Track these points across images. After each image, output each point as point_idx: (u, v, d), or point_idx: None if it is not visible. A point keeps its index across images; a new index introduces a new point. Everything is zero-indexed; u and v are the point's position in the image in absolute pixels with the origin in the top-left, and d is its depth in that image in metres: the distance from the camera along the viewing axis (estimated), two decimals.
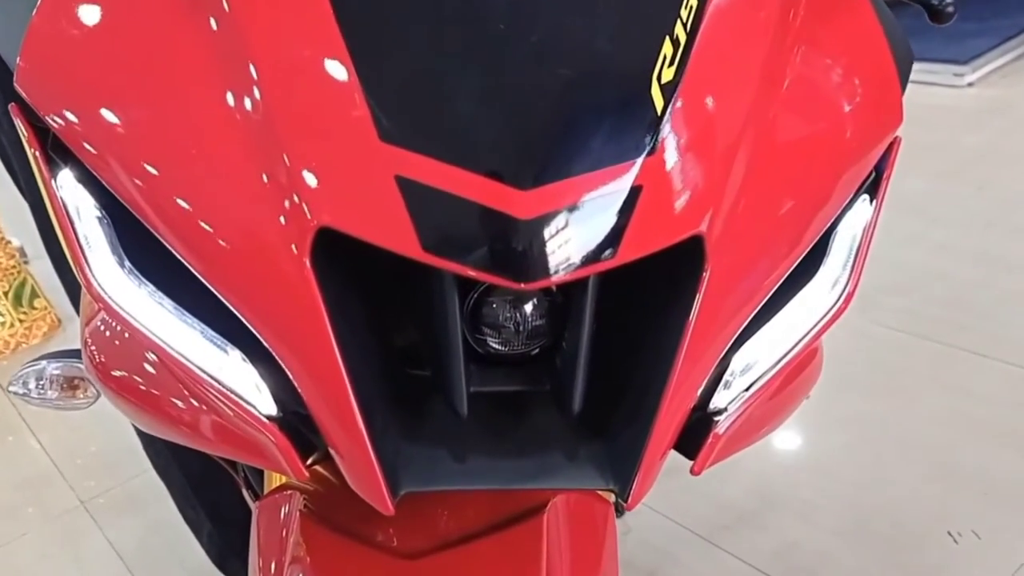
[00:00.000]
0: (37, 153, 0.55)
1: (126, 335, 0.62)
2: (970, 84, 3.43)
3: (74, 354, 0.92)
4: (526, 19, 0.49)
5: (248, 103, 0.50)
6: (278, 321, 0.50)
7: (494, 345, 0.55)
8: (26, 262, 2.77)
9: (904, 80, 0.63)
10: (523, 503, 0.64)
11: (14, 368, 0.94)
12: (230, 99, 0.50)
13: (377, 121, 0.47)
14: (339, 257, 0.49)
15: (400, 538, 0.64)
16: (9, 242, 2.60)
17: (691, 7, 0.52)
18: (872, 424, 1.88)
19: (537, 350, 0.56)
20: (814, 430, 1.89)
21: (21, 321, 2.64)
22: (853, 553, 1.60)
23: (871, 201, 0.61)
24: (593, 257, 0.47)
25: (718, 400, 0.56)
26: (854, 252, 0.59)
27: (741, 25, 0.54)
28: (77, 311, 1.07)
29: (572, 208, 0.47)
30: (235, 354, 0.53)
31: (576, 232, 0.47)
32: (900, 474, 1.75)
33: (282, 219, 0.48)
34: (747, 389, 0.56)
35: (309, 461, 0.55)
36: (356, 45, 0.49)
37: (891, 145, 0.62)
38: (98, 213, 0.54)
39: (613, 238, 0.47)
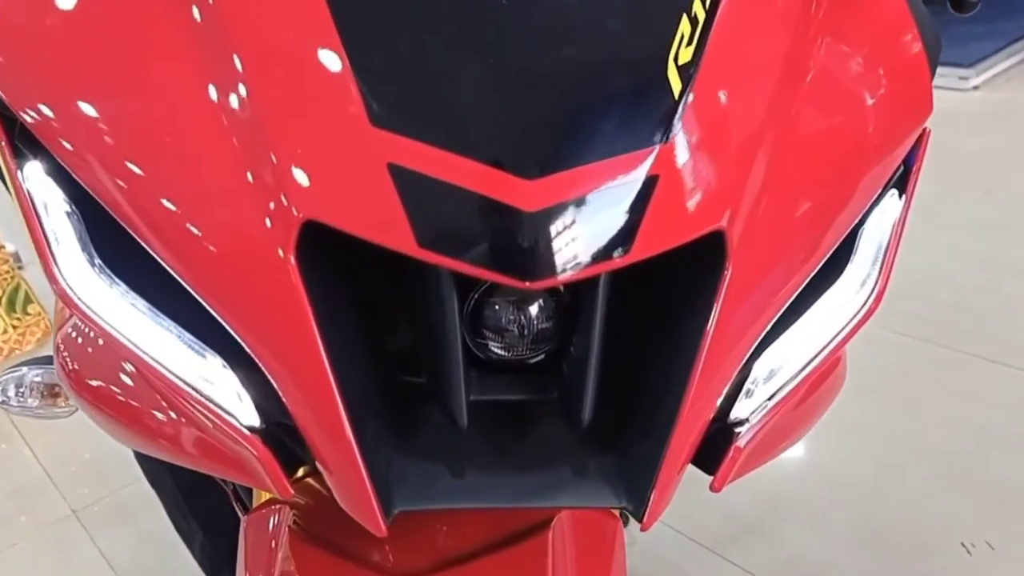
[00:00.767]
0: (3, 144, 0.51)
1: (100, 341, 0.58)
2: (975, 87, 3.40)
3: (51, 361, 0.88)
4: None
5: (230, 89, 0.46)
6: (260, 323, 0.46)
7: (496, 350, 0.51)
8: (20, 267, 2.73)
9: (933, 67, 0.59)
10: (527, 519, 0.60)
11: None
12: (211, 87, 0.46)
13: (368, 105, 0.43)
14: (327, 254, 0.45)
15: (395, 556, 0.60)
16: (2, 247, 2.56)
17: None
18: (881, 431, 1.84)
19: (543, 356, 0.52)
20: (821, 437, 1.85)
21: (15, 327, 2.59)
22: (863, 564, 1.55)
23: (900, 195, 0.57)
24: (605, 254, 0.43)
25: (739, 410, 0.52)
26: (883, 250, 0.55)
27: (763, 2, 0.50)
28: None
29: (582, 200, 0.42)
30: (214, 360, 0.49)
31: (586, 226, 0.42)
32: (910, 482, 1.71)
33: (265, 212, 0.44)
34: (770, 398, 0.52)
35: (296, 476, 0.51)
36: (346, 25, 0.45)
37: (920, 136, 0.58)
38: (67, 208, 0.49)
39: (627, 233, 0.43)
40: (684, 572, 1.60)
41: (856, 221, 0.54)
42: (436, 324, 0.47)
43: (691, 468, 0.53)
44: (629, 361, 0.50)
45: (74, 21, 0.50)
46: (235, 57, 0.46)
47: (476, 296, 0.49)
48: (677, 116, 0.44)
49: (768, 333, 0.51)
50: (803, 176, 0.49)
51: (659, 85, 0.45)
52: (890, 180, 0.56)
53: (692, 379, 0.47)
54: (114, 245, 0.49)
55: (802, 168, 0.49)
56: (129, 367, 0.55)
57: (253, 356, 0.47)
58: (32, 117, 0.49)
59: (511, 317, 0.50)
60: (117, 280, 0.49)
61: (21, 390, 0.86)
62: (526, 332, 0.50)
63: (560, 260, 0.42)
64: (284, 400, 0.48)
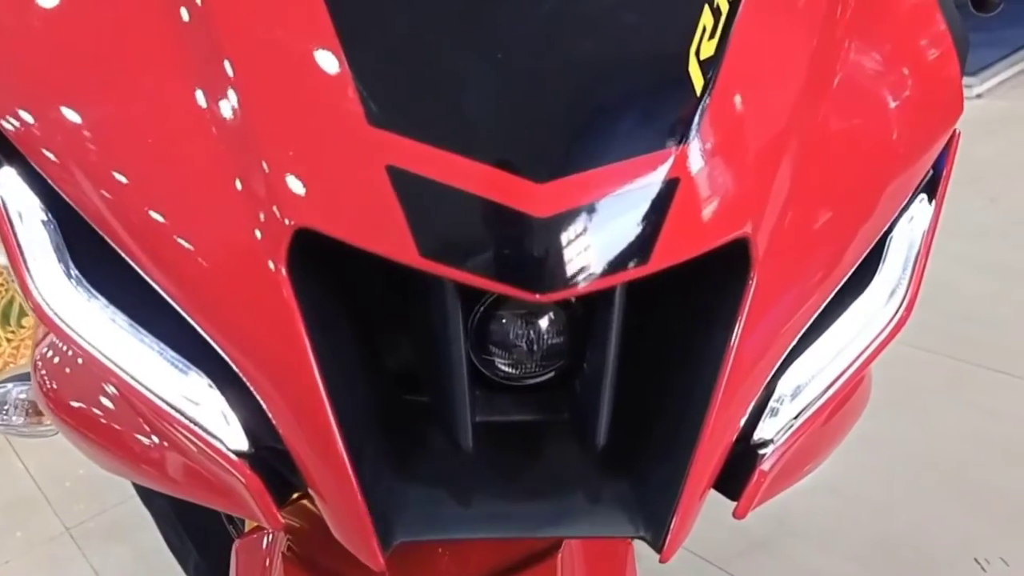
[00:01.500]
0: None
1: (79, 360, 0.54)
2: (979, 96, 3.38)
3: None
4: None
5: (219, 91, 0.42)
6: (249, 339, 0.43)
7: (503, 367, 0.47)
8: (14, 280, 2.70)
9: (963, 66, 0.56)
10: (534, 545, 0.57)
11: None
12: (199, 89, 0.43)
13: (366, 104, 0.40)
14: (321, 265, 0.42)
15: None
16: None
17: None
18: (892, 444, 1.80)
19: (553, 373, 0.48)
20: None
21: (9, 340, 2.56)
22: None
23: (929, 201, 0.53)
24: (621, 263, 0.39)
25: (764, 430, 0.48)
26: (912, 258, 0.52)
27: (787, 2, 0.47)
28: None
29: (596, 205, 0.39)
30: (200, 379, 0.45)
31: (601, 234, 0.39)
32: (922, 496, 1.67)
33: (255, 221, 0.41)
34: (797, 416, 0.49)
35: (288, 502, 0.48)
36: (343, 21, 0.42)
37: (950, 140, 0.55)
38: (43, 217, 0.46)
39: (645, 241, 0.40)
40: None
41: (885, 228, 0.51)
42: (439, 339, 0.43)
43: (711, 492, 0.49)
44: (646, 379, 0.47)
45: (56, 24, 0.47)
46: (224, 58, 0.42)
47: (482, 309, 0.46)
48: (699, 115, 0.41)
49: (794, 347, 0.48)
50: (831, 181, 0.46)
51: (680, 81, 0.41)
52: (919, 185, 0.53)
53: (714, 398, 0.44)
54: (94, 258, 0.46)
55: (829, 173, 0.46)
56: (110, 388, 0.52)
57: (241, 375, 0.44)
58: (9, 122, 0.45)
59: (519, 332, 0.46)
60: (95, 294, 0.46)
61: (5, 407, 0.83)
62: (535, 348, 0.47)
63: (572, 270, 0.39)
64: (274, 422, 0.44)
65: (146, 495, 1.45)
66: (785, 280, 0.45)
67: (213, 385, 0.45)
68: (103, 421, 0.53)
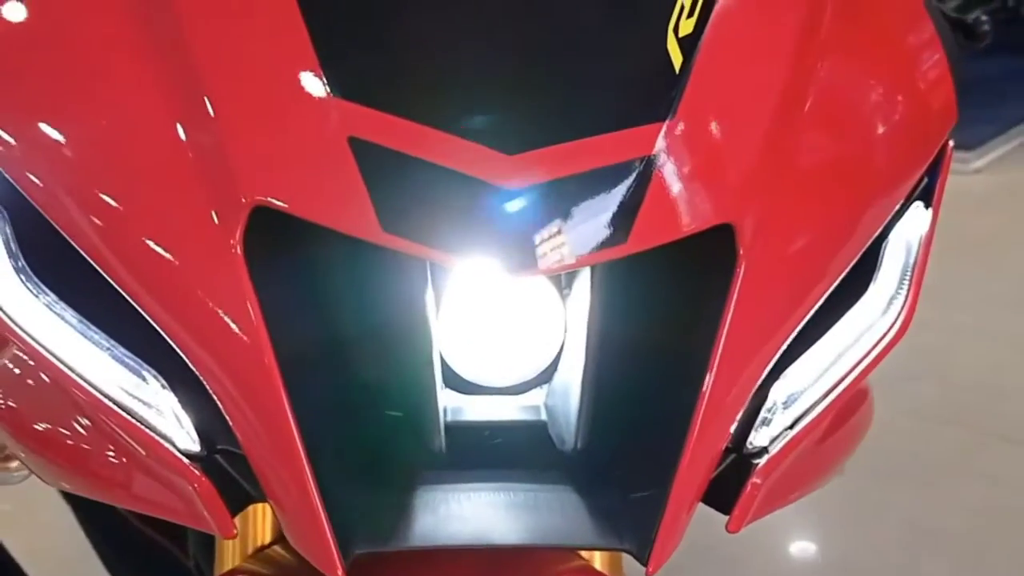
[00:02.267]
0: None
1: (40, 374, 0.51)
2: (977, 170, 3.40)
3: None
4: None
5: (170, 59, 0.40)
6: (202, 327, 0.40)
7: (474, 367, 0.44)
8: None
9: (956, 77, 0.54)
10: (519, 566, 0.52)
11: None
12: (151, 64, 0.41)
13: (327, 72, 0.38)
14: (280, 248, 0.40)
15: None
16: None
17: None
18: (902, 518, 1.75)
19: (529, 377, 0.45)
20: (840, 525, 1.76)
21: None
22: None
23: (926, 208, 0.51)
24: (598, 242, 0.37)
25: (757, 439, 0.45)
26: (910, 266, 0.49)
27: None
28: None
29: (570, 179, 0.37)
30: (151, 378, 0.42)
31: (576, 209, 0.37)
32: (931, 570, 1.61)
33: (208, 197, 0.38)
34: (791, 426, 0.45)
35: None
36: None
37: (943, 151, 0.53)
38: None
39: (623, 219, 0.37)
40: None
41: (879, 232, 0.48)
42: (405, 327, 0.40)
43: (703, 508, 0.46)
44: (628, 380, 0.44)
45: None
46: (180, 30, 0.40)
47: (451, 305, 0.43)
48: (678, 93, 0.39)
49: (787, 354, 0.45)
50: (820, 174, 0.44)
51: (657, 57, 0.40)
52: (914, 193, 0.51)
53: (700, 401, 0.41)
54: (49, 257, 0.44)
55: (819, 165, 0.44)
56: (59, 396, 0.49)
57: (195, 370, 0.41)
58: None
59: (490, 325, 0.43)
60: (45, 289, 0.43)
61: None
62: (509, 346, 0.44)
63: (545, 248, 0.36)
64: (230, 421, 0.41)
65: (111, 566, 1.40)
66: (774, 273, 0.42)
67: (166, 384, 0.42)
68: (52, 431, 0.50)
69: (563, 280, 0.45)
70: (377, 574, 0.49)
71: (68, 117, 0.42)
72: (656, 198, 0.38)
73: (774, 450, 0.45)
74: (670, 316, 0.43)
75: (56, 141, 0.42)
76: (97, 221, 0.41)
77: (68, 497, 1.36)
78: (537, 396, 0.47)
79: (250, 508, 0.64)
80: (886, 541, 1.70)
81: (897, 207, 0.49)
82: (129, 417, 0.42)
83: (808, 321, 0.45)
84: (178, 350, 0.41)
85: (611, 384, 0.42)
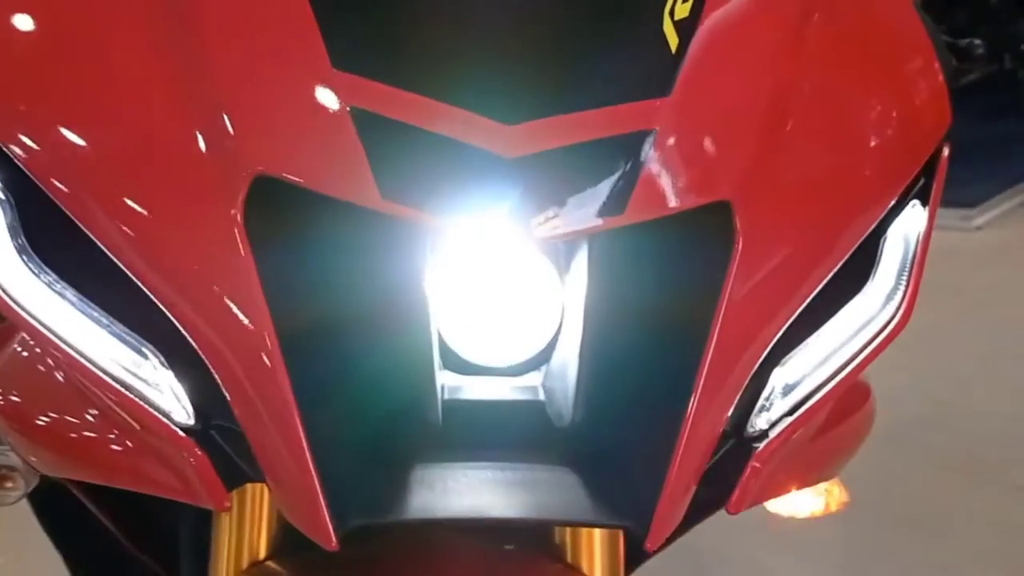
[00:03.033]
0: None
1: (40, 367, 0.51)
2: (978, 228, 3.42)
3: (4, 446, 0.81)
4: None
5: (179, 34, 0.41)
6: (203, 301, 0.40)
7: (473, 343, 0.44)
8: None
9: (948, 78, 0.55)
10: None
11: None
12: (156, 40, 0.42)
13: (330, 45, 0.39)
14: (283, 222, 0.40)
15: None
16: None
17: None
18: (913, 565, 1.72)
19: (527, 355, 0.45)
20: (846, 572, 1.73)
21: None
22: None
23: (923, 206, 0.52)
24: (595, 212, 0.37)
25: (757, 423, 0.45)
26: (909, 262, 0.50)
27: None
28: None
29: (568, 150, 0.37)
30: (150, 353, 0.43)
31: (574, 179, 0.37)
32: None
33: (210, 168, 0.39)
34: (790, 413, 0.45)
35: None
36: None
37: (939, 151, 0.54)
38: (2, 195, 0.45)
39: (620, 191, 0.38)
40: None
41: (876, 227, 0.49)
42: (404, 304, 0.40)
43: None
44: (626, 358, 0.44)
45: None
46: (187, 4, 0.42)
47: (450, 284, 0.43)
48: (675, 72, 0.40)
49: (787, 342, 0.45)
50: (816, 156, 0.44)
51: (655, 37, 0.41)
52: (911, 191, 0.51)
53: (699, 379, 0.41)
54: (52, 237, 0.44)
55: (814, 148, 0.44)
56: (58, 380, 0.49)
57: (193, 343, 0.41)
58: None
59: (489, 305, 0.44)
60: (45, 268, 0.44)
61: None
62: (507, 322, 0.44)
63: (542, 217, 0.37)
64: (226, 394, 0.41)
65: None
66: (772, 255, 0.42)
67: (164, 360, 0.43)
68: (54, 419, 0.50)
69: (561, 260, 0.45)
70: None
71: (70, 94, 0.43)
72: (654, 171, 0.38)
73: (773, 434, 0.45)
74: (668, 295, 0.43)
75: (59, 118, 0.43)
76: (100, 197, 0.41)
77: (39, 512, 1.34)
78: (535, 378, 0.47)
79: (245, 522, 0.64)
80: None
81: (895, 200, 0.49)
82: (127, 392, 0.43)
83: (808, 312, 0.46)
84: (177, 324, 0.41)
85: (608, 360, 0.43)
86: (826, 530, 1.72)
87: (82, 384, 0.47)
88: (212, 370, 0.41)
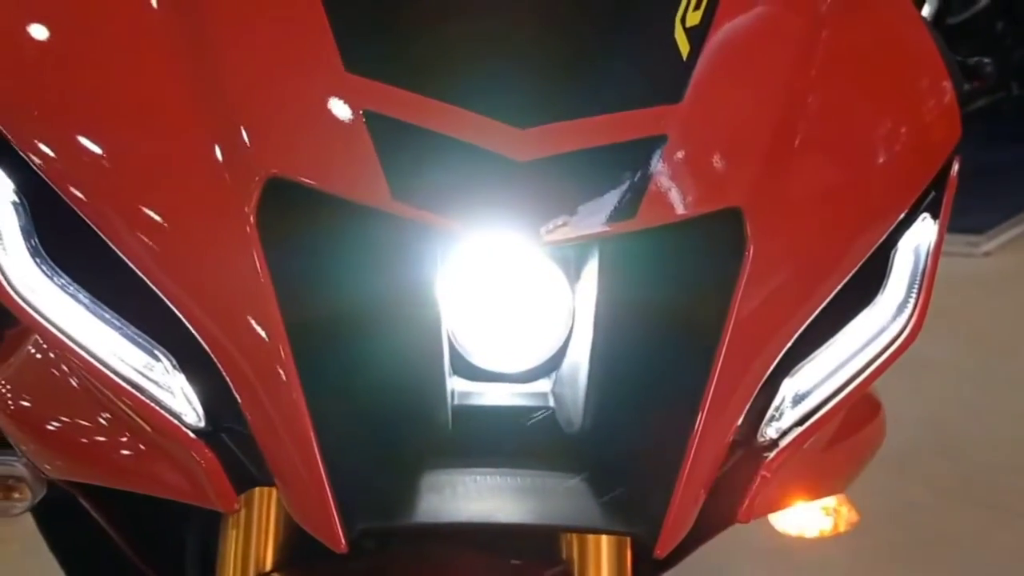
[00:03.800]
0: None
1: (51, 369, 0.52)
2: (986, 254, 3.41)
3: (7, 452, 0.81)
4: None
5: (196, 41, 0.42)
6: (215, 304, 0.40)
7: (483, 351, 0.44)
8: None
9: (959, 92, 0.55)
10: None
11: None
12: (173, 46, 0.43)
13: (343, 49, 0.39)
14: (296, 226, 0.40)
15: None
16: None
17: None
18: None
19: (536, 362, 0.45)
20: None
21: None
22: None
23: (933, 220, 0.52)
24: (606, 216, 0.38)
25: (767, 432, 0.45)
26: (919, 274, 0.50)
27: None
28: None
29: (580, 154, 0.38)
30: (162, 357, 0.43)
31: (585, 183, 0.38)
32: None
33: (225, 170, 0.39)
34: (800, 423, 0.45)
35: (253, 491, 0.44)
36: None
37: (949, 165, 0.54)
38: (14, 198, 0.45)
39: (631, 196, 0.38)
40: None
41: (886, 239, 0.49)
42: (414, 309, 0.41)
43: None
44: (636, 365, 0.44)
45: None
46: (202, 10, 0.42)
47: (461, 290, 0.44)
48: (686, 79, 0.40)
49: (797, 353, 0.45)
50: (825, 166, 0.45)
51: (666, 45, 0.41)
52: (922, 204, 0.51)
53: (708, 387, 0.41)
54: (66, 243, 0.45)
55: (824, 159, 0.45)
56: (71, 384, 0.49)
57: (206, 347, 0.41)
58: None
59: (499, 310, 0.44)
60: (59, 272, 0.44)
61: None
62: (517, 328, 0.44)
63: (555, 220, 0.37)
64: (238, 398, 0.41)
65: None
66: (782, 264, 0.42)
67: (176, 363, 0.43)
68: (65, 423, 0.50)
69: (572, 266, 0.45)
70: None
71: (89, 103, 0.43)
72: (665, 177, 0.39)
73: (783, 444, 0.44)
74: (678, 303, 0.43)
75: (77, 126, 0.43)
76: (116, 203, 0.42)
77: (42, 525, 1.34)
78: (544, 384, 0.47)
79: (252, 533, 0.64)
80: None
81: (905, 213, 0.49)
82: (139, 395, 0.43)
83: (819, 323, 0.46)
84: (190, 328, 0.41)
85: (618, 367, 0.43)
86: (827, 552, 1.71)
87: (94, 387, 0.47)
88: (223, 373, 0.41)
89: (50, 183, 0.44)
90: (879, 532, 1.79)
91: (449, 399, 0.42)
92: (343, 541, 0.41)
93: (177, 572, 0.82)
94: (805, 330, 0.45)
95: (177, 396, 0.43)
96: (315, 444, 0.40)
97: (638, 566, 0.63)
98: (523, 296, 0.44)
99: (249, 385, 0.41)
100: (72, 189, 0.43)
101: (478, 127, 0.37)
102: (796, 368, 0.45)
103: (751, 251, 0.40)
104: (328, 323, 0.43)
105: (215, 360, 0.42)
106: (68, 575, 1.36)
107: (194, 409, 0.43)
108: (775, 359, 0.44)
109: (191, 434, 0.43)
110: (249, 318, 0.39)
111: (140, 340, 0.43)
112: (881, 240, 0.48)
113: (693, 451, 0.41)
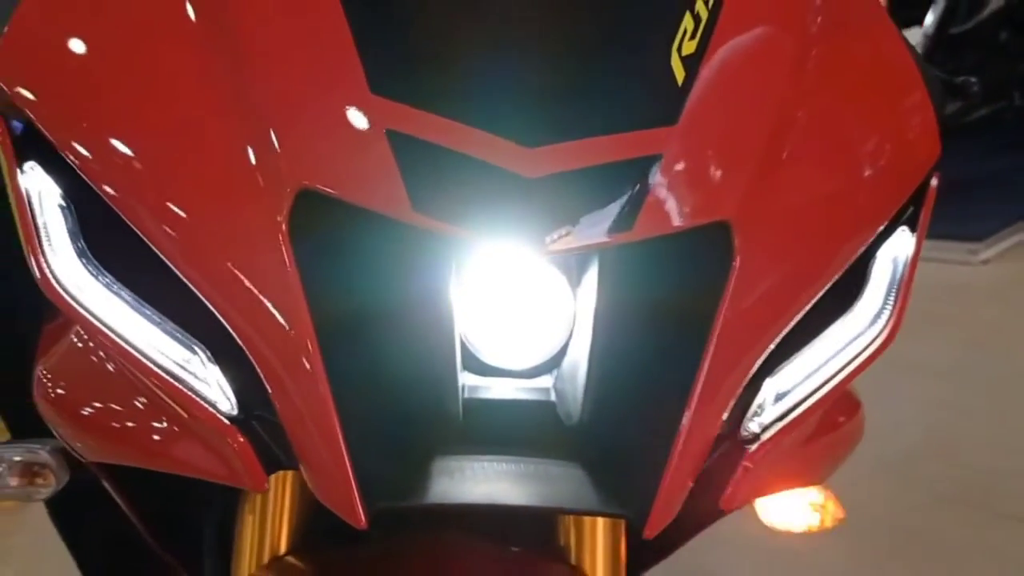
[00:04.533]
0: (6, 146, 0.51)
1: (93, 360, 0.55)
2: (984, 261, 3.43)
3: (39, 442, 0.85)
4: None
5: (228, 58, 0.46)
6: (249, 302, 0.44)
7: (490, 348, 0.48)
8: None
9: (939, 110, 0.59)
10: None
11: None
12: (209, 63, 0.46)
13: (368, 73, 0.43)
14: (324, 232, 0.44)
15: None
16: None
17: None
18: None
19: (539, 361, 0.49)
20: None
21: None
22: None
23: (911, 233, 0.55)
24: (607, 229, 0.42)
25: (750, 426, 0.49)
26: (896, 283, 0.53)
27: (764, 13, 0.50)
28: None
29: (583, 171, 0.42)
30: (198, 351, 0.47)
31: (588, 198, 0.42)
32: None
33: (258, 181, 0.43)
34: (781, 419, 0.49)
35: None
36: None
37: (928, 181, 0.58)
38: (61, 202, 0.49)
39: (629, 210, 0.42)
40: None
41: (865, 250, 0.52)
42: (431, 310, 0.45)
43: None
44: (631, 363, 0.48)
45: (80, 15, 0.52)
46: (235, 32, 0.46)
47: (473, 294, 0.47)
48: (680, 103, 0.44)
49: (779, 354, 0.49)
50: (810, 183, 0.48)
51: (663, 71, 0.45)
52: (900, 218, 0.55)
53: (696, 383, 0.45)
54: (108, 243, 0.49)
55: (809, 175, 0.48)
56: (109, 371, 0.53)
57: (238, 339, 0.45)
58: (33, 106, 0.49)
59: (507, 312, 0.48)
60: (103, 271, 0.48)
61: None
62: (523, 328, 0.48)
63: (560, 231, 0.41)
64: (268, 388, 0.45)
65: None
66: (767, 273, 0.46)
67: (211, 356, 0.47)
68: (103, 408, 0.54)
69: (573, 273, 0.49)
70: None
71: (128, 111, 0.47)
72: (660, 192, 0.42)
73: (764, 437, 0.48)
74: (670, 307, 0.47)
75: (116, 131, 0.47)
76: (154, 205, 0.46)
77: (55, 516, 1.37)
78: (546, 380, 0.51)
79: (267, 518, 0.68)
80: None
81: (884, 225, 0.53)
82: (179, 385, 0.47)
83: (799, 327, 0.49)
84: (224, 323, 0.45)
85: (615, 365, 0.46)
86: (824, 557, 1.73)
87: (134, 377, 0.51)
88: (256, 366, 0.45)
89: (94, 186, 0.47)
90: (869, 537, 1.82)
91: (460, 393, 0.46)
92: (363, 519, 0.45)
93: (194, 556, 0.86)
94: (787, 333, 0.49)
95: (212, 386, 0.47)
96: (339, 431, 0.44)
97: (634, 557, 0.67)
98: (529, 299, 0.48)
99: (278, 377, 0.44)
100: (115, 192, 0.46)
101: (490, 146, 0.41)
102: (778, 368, 0.49)
103: (738, 261, 0.44)
104: (351, 321, 0.47)
105: (248, 354, 0.45)
106: (80, 565, 1.40)
107: (227, 398, 0.47)
108: (758, 360, 0.47)
109: (226, 421, 0.46)
110: (280, 316, 0.43)
111: (178, 335, 0.47)
112: (861, 250, 0.52)
113: (681, 442, 0.45)
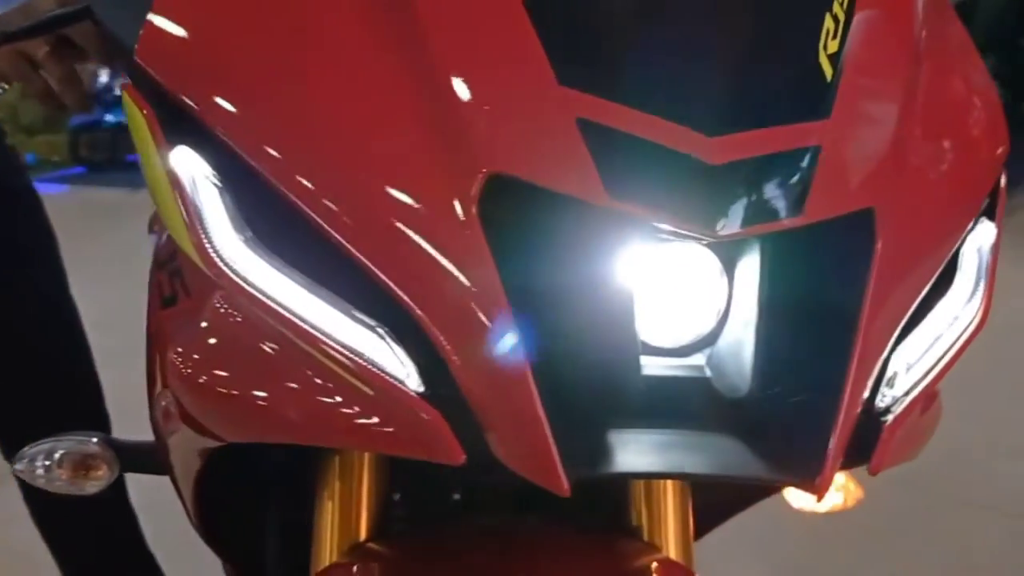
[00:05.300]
0: (155, 130, 0.51)
1: (239, 339, 0.55)
2: None
3: (86, 435, 0.83)
4: None
5: (412, 53, 0.47)
6: (437, 277, 0.45)
7: (649, 323, 0.51)
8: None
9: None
10: None
11: None
12: (390, 51, 0.48)
13: (555, 66, 0.45)
14: (513, 217, 0.46)
15: None
16: None
17: None
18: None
19: (695, 339, 0.53)
20: None
21: None
22: None
23: (991, 222, 0.60)
24: (781, 212, 0.45)
25: (885, 399, 0.52)
26: (984, 268, 0.58)
27: (887, 13, 0.55)
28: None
29: (759, 159, 0.45)
30: (378, 330, 0.48)
31: (764, 184, 0.45)
32: None
33: (449, 169, 0.45)
34: (908, 392, 0.53)
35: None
36: None
37: (1000, 175, 0.62)
38: (218, 186, 0.49)
39: (799, 195, 0.46)
40: None
41: (964, 233, 0.57)
42: (611, 291, 0.47)
43: None
44: (794, 341, 0.51)
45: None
46: (416, 23, 0.47)
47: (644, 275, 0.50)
48: (831, 98, 0.48)
49: (901, 333, 0.53)
50: (932, 173, 0.53)
51: (814, 69, 0.48)
52: (980, 210, 0.60)
53: (853, 357, 0.48)
54: (267, 224, 0.49)
55: (930, 168, 0.53)
56: (268, 348, 0.53)
57: (421, 316, 0.46)
58: (187, 93, 0.49)
59: (667, 293, 0.51)
60: (272, 254, 0.49)
61: (48, 463, 0.81)
62: (679, 309, 0.51)
63: (744, 214, 0.44)
64: (452, 361, 0.46)
65: None
66: (903, 252, 0.50)
67: (391, 334, 0.48)
68: (264, 386, 0.53)
69: (725, 257, 0.52)
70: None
71: (297, 91, 0.48)
72: (824, 179, 0.46)
73: (902, 407, 0.52)
74: (822, 290, 0.50)
75: (285, 111, 0.48)
76: (337, 192, 0.47)
77: (29, 499, 1.35)
78: (698, 359, 0.54)
79: (348, 505, 0.67)
80: None
81: (976, 216, 0.57)
82: (364, 363, 0.47)
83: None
84: (406, 301, 0.46)
85: (778, 342, 0.50)
86: None
87: (300, 357, 0.50)
88: (439, 343, 0.46)
89: (260, 169, 0.48)
90: (887, 541, 1.84)
91: (641, 371, 0.49)
92: (566, 485, 0.46)
93: (248, 551, 0.85)
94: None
95: (395, 363, 0.47)
96: (538, 402, 0.45)
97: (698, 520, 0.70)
98: (686, 280, 0.51)
99: (467, 352, 0.46)
100: (284, 175, 0.47)
101: (674, 134, 0.44)
102: (900, 344, 0.53)
103: (880, 244, 0.48)
104: (540, 302, 0.48)
105: (427, 331, 0.46)
106: (60, 563, 1.37)
107: (414, 375, 0.47)
108: (894, 334, 0.51)
109: (417, 397, 0.47)
110: (475, 292, 0.45)
111: (356, 315, 0.47)
112: (964, 234, 0.57)
113: (843, 411, 0.48)
